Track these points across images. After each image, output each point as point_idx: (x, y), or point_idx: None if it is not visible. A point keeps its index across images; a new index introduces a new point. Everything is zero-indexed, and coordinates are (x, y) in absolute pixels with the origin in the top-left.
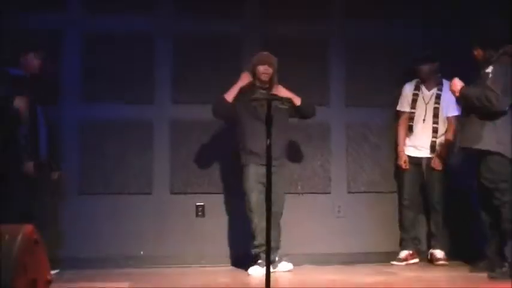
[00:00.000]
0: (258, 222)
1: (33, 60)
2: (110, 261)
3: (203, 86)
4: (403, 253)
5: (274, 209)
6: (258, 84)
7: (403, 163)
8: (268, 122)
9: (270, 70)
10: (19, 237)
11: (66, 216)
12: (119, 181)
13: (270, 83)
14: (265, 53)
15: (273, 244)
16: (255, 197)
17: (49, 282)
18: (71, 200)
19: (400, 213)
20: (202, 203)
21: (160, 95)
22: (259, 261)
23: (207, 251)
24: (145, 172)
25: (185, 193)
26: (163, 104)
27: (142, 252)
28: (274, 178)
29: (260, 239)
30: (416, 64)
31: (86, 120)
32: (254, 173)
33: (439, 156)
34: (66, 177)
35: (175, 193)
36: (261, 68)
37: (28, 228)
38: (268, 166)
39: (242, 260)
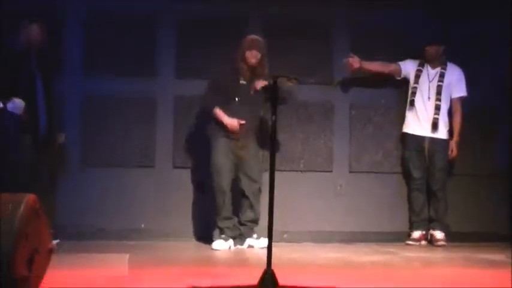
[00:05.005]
0: (224, 202)
1: (35, 32)
2: (111, 233)
3: (206, 61)
4: (417, 233)
5: (252, 187)
6: (245, 68)
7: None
8: (274, 100)
9: (258, 55)
10: (21, 207)
11: (68, 188)
12: (122, 154)
13: (260, 66)
14: (252, 37)
15: (254, 218)
16: (223, 178)
17: (51, 251)
18: (73, 172)
19: (410, 196)
20: (204, 178)
21: (164, 69)
22: (223, 235)
23: (207, 225)
24: (148, 146)
25: (187, 167)
26: (167, 78)
27: (143, 225)
28: (245, 152)
29: (225, 213)
30: (425, 43)
31: (89, 93)
32: (224, 150)
33: (456, 142)
34: (64, 148)
35: (178, 167)
36: (249, 54)
37: (30, 197)
38: (272, 146)
39: (242, 235)
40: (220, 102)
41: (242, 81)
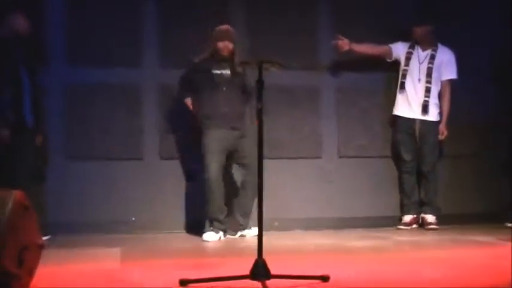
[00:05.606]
0: (216, 193)
1: (22, 21)
2: (101, 226)
3: (191, 50)
4: (408, 217)
5: (251, 178)
6: (218, 58)
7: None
8: (260, 86)
9: (230, 45)
10: (10, 203)
11: (55, 181)
12: (107, 146)
13: (232, 57)
14: (225, 27)
15: (247, 211)
16: (215, 168)
17: (41, 246)
18: (59, 164)
19: (400, 178)
20: (192, 169)
21: (148, 59)
22: (213, 227)
23: (197, 217)
24: (135, 137)
25: (175, 158)
26: (151, 68)
27: (133, 218)
28: (243, 142)
29: (216, 205)
30: (410, 25)
31: (73, 83)
32: (216, 139)
33: (445, 125)
34: (48, 141)
35: (165, 158)
36: (221, 44)
37: (18, 194)
38: (260, 132)
39: (233, 225)
40: (192, 93)
41: (216, 71)
